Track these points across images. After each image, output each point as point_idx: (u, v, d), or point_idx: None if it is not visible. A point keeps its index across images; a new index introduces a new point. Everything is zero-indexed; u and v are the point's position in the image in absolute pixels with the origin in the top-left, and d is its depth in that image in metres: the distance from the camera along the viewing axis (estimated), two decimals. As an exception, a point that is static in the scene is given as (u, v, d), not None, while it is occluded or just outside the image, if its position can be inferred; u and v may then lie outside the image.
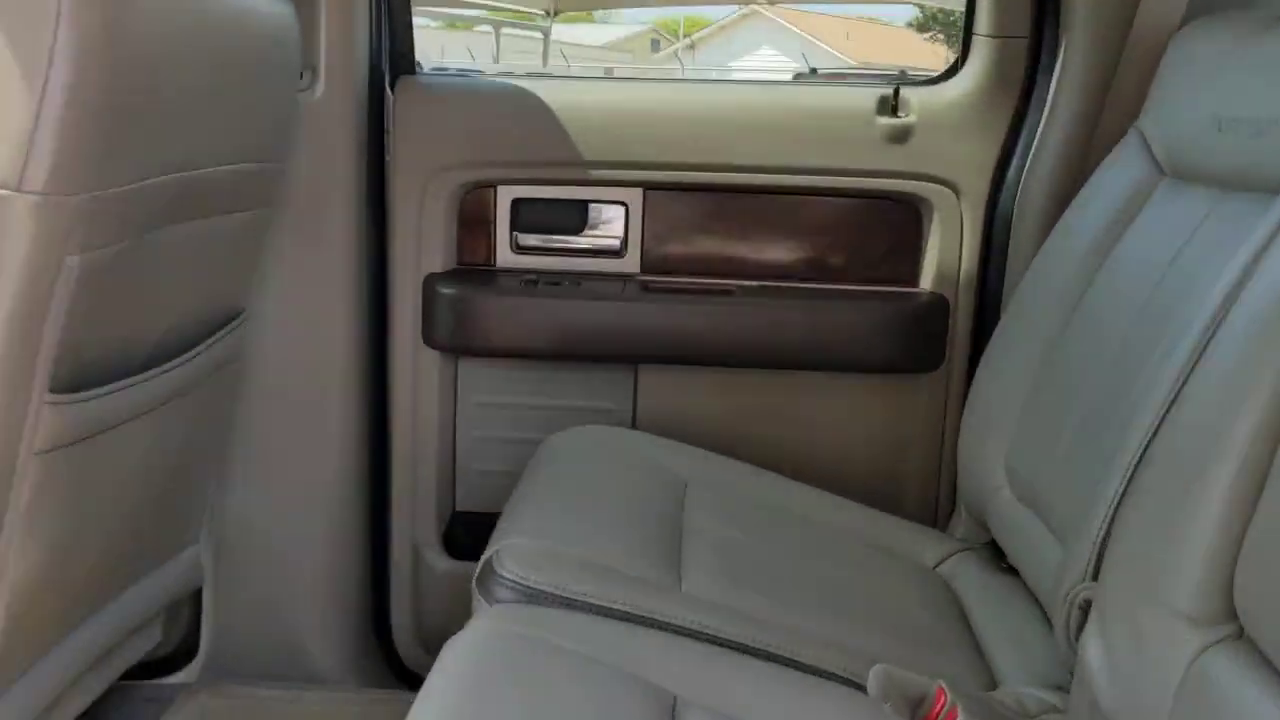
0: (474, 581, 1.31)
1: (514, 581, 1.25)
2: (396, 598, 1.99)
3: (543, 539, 1.37)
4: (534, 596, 1.25)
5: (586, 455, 1.69)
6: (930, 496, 1.96)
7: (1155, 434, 1.18)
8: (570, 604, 1.24)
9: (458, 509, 2.00)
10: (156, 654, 1.89)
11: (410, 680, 2.01)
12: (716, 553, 1.47)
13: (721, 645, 1.23)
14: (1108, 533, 1.20)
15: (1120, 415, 1.33)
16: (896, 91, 1.88)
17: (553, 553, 1.33)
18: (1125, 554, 1.15)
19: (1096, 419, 1.40)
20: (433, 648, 2.03)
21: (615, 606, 1.24)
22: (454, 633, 2.00)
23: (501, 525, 1.45)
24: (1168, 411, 1.17)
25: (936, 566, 1.70)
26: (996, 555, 1.69)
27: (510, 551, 1.31)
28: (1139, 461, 1.19)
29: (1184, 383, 1.18)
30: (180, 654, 2.00)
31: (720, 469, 1.77)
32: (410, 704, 1.93)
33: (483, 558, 1.35)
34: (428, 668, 2.03)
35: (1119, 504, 1.20)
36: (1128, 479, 1.20)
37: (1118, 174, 1.64)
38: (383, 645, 2.01)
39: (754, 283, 1.94)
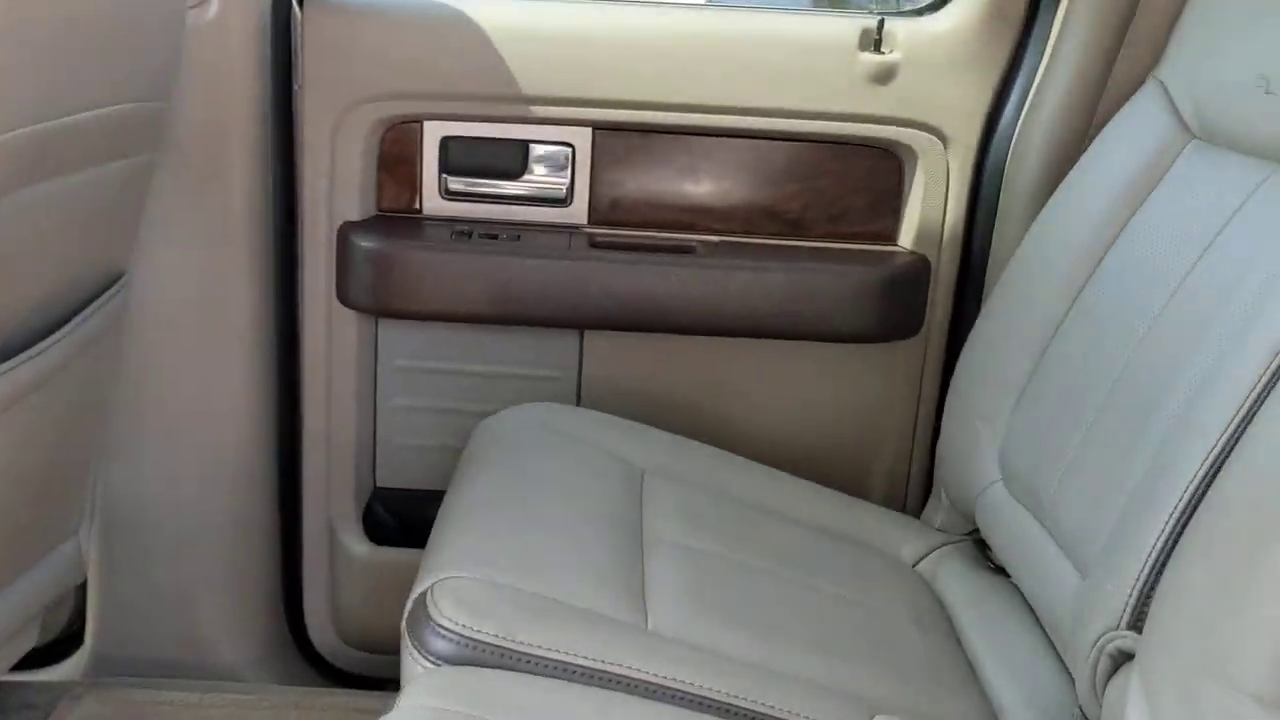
0: (404, 622, 1.11)
1: (454, 633, 1.05)
2: (310, 584, 1.78)
3: (484, 565, 1.16)
4: (478, 650, 1.04)
5: (529, 443, 1.48)
6: (901, 474, 1.79)
7: (1217, 470, 1.01)
8: (523, 661, 1.04)
9: (378, 486, 1.79)
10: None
11: (328, 674, 1.82)
12: (683, 570, 1.28)
13: (699, 708, 1.05)
14: (1153, 578, 1.04)
15: (1153, 430, 1.15)
16: (881, 24, 1.65)
17: (498, 587, 1.13)
18: (1179, 612, 0.98)
19: (1118, 427, 1.23)
20: (352, 639, 1.84)
21: (575, 661, 1.05)
22: (375, 623, 1.82)
23: (434, 545, 1.24)
24: (1234, 443, 1.00)
25: (916, 564, 1.54)
26: (980, 548, 1.54)
27: (448, 590, 1.10)
28: (1195, 500, 1.02)
29: (1254, 409, 1.00)
30: (65, 640, 1.78)
31: (677, 454, 1.57)
32: (328, 702, 1.76)
33: (414, 592, 1.14)
34: (346, 661, 1.85)
35: (1168, 547, 1.03)
36: (1179, 519, 1.03)
37: (1135, 130, 1.45)
38: (296, 637, 1.80)
39: (715, 238, 1.73)
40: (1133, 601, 1.04)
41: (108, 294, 1.43)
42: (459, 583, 1.12)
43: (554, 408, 1.60)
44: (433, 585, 1.11)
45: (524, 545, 1.22)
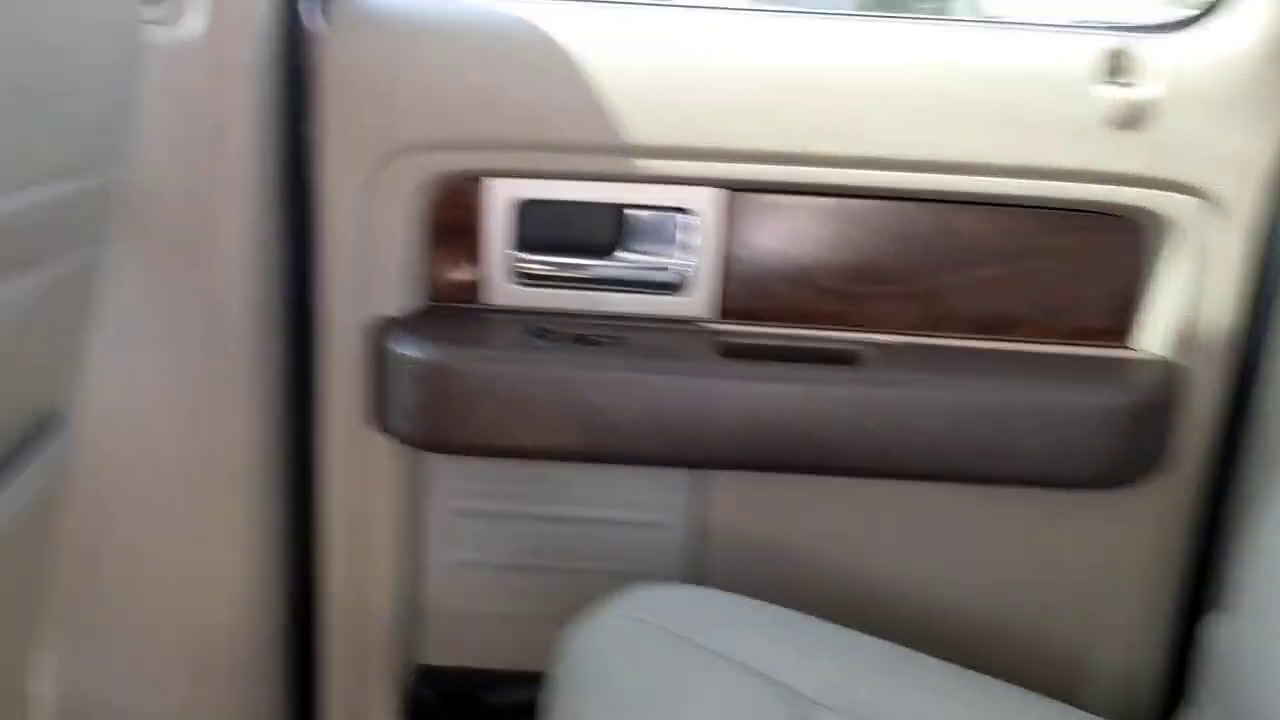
0: None
1: None
2: (332, 799, 1.34)
3: None
4: None
5: (642, 668, 1.02)
6: (1132, 670, 1.32)
7: None
8: None
9: (425, 664, 1.34)
10: None
11: None
12: None
13: None
14: None
15: None
16: (1124, 48, 1.18)
17: None
18: None
19: None
20: None
21: None
22: None
23: None
24: None
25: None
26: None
27: None
28: None
29: None
30: None
31: (849, 663, 1.11)
32: None
33: None
34: None
35: None
36: None
37: None
38: None
39: (888, 337, 1.26)
40: None
41: (35, 448, 0.98)
42: None
43: (668, 595, 1.14)
44: None
45: None
